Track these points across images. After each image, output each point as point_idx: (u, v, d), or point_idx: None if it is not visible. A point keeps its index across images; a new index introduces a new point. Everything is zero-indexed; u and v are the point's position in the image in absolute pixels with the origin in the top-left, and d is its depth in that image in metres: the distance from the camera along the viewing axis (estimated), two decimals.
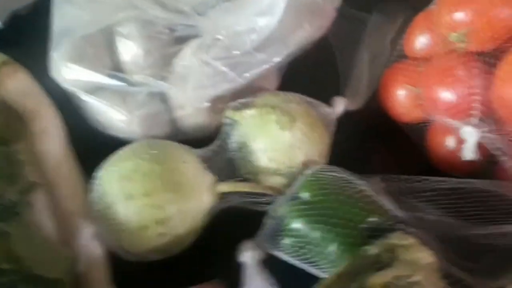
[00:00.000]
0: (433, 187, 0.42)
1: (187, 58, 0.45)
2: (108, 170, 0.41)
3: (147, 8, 0.47)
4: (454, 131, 0.45)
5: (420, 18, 0.50)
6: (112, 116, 0.46)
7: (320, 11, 0.49)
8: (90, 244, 0.40)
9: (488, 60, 0.41)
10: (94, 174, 0.43)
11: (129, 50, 0.46)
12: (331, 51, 0.58)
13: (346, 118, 0.50)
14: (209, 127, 0.48)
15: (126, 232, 0.39)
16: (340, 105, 0.49)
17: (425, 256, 0.35)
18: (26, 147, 0.44)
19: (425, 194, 0.43)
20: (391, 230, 0.38)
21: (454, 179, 0.42)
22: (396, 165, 0.49)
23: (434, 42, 0.48)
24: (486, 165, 0.44)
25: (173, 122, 0.47)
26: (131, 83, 0.45)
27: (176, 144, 0.44)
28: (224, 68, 0.45)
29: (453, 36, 0.43)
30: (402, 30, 0.54)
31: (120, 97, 0.46)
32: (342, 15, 0.54)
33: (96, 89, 0.46)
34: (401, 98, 0.49)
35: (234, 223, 0.44)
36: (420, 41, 0.50)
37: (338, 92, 0.53)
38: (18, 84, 0.47)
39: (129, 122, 0.46)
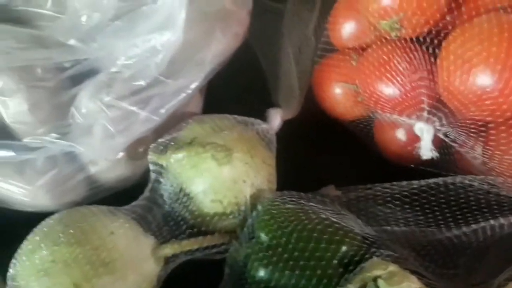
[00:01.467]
0: (394, 191, 0.39)
1: (85, 104, 0.36)
2: (22, 265, 0.33)
3: (18, 50, 0.38)
4: (400, 124, 0.42)
5: (341, 4, 0.45)
6: (10, 191, 0.37)
7: (233, 18, 0.42)
8: None
9: (427, 47, 0.38)
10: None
11: (9, 109, 0.36)
12: (251, 53, 0.52)
13: (283, 130, 0.45)
14: (133, 176, 0.40)
15: None
16: (276, 118, 0.43)
17: (408, 285, 0.32)
18: None
19: (386, 199, 0.39)
20: (366, 258, 0.34)
21: (415, 182, 0.38)
22: (351, 169, 0.45)
23: (361, 30, 0.44)
24: (443, 154, 0.41)
25: (88, 180, 0.39)
26: (23, 149, 0.36)
27: (95, 209, 0.36)
28: (133, 108, 0.37)
29: (384, 24, 0.39)
30: (323, 17, 0.49)
31: (13, 167, 0.37)
32: (256, 9, 0.48)
33: None
34: (339, 97, 0.45)
35: (190, 277, 0.38)
36: (347, 30, 0.45)
37: (269, 99, 0.48)
38: None
39: (33, 196, 0.37)
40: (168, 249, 0.36)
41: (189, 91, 0.39)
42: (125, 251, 0.34)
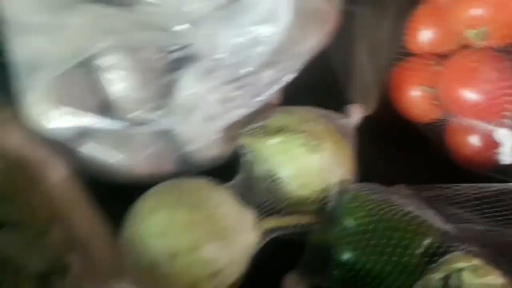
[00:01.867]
0: (471, 193, 0.41)
1: (189, 86, 0.39)
2: (138, 228, 0.36)
3: (128, 31, 0.40)
4: (476, 129, 0.44)
5: (424, 11, 0.48)
6: (111, 161, 0.40)
7: (326, 16, 0.44)
8: None
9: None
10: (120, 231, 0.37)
11: (118, 85, 0.39)
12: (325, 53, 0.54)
13: (360, 126, 0.47)
14: (223, 157, 0.43)
15: (166, 280, 0.34)
16: (356, 113, 0.46)
17: (493, 278, 0.34)
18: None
19: (462, 200, 0.42)
20: (450, 250, 0.36)
21: (489, 184, 0.41)
22: (424, 170, 0.47)
23: (442, 37, 0.46)
24: None
25: (184, 157, 0.42)
26: (129, 124, 0.39)
27: (206, 182, 0.39)
28: (233, 94, 0.40)
29: (471, 33, 0.41)
30: (399, 24, 0.51)
31: (119, 140, 0.40)
32: None
33: (86, 134, 0.40)
34: (416, 100, 0.47)
35: (275, 255, 0.41)
36: (426, 37, 0.47)
37: (344, 97, 0.50)
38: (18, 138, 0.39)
39: (134, 167, 0.40)
40: (270, 223, 0.39)
41: (283, 82, 0.42)
42: (233, 221, 0.37)
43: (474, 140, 0.44)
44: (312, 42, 0.43)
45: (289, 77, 0.42)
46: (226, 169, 0.43)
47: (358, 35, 0.53)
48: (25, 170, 0.39)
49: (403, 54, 0.49)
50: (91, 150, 0.40)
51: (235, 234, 0.36)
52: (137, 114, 0.39)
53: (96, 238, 0.38)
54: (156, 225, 0.35)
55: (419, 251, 0.36)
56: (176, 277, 0.34)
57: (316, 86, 0.53)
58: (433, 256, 0.36)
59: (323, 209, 0.40)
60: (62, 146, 0.40)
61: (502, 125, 0.40)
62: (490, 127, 0.41)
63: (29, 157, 0.40)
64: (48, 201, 0.38)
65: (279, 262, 0.40)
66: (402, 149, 0.48)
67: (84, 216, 0.39)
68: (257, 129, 0.42)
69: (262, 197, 0.40)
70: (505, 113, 0.39)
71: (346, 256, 0.37)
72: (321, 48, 0.46)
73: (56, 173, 0.40)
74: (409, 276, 0.36)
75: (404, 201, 0.39)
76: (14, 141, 0.41)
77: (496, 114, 0.40)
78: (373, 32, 0.54)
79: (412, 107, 0.47)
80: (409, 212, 0.38)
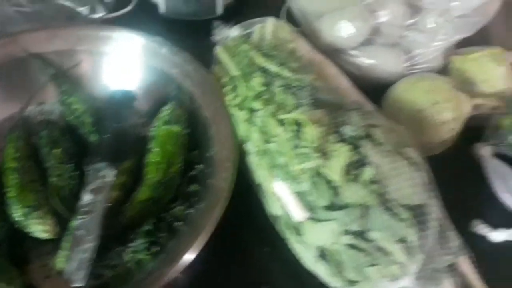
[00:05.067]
0: None
1: (434, 20, 0.65)
2: (409, 87, 0.61)
3: None
4: None
5: None
6: (382, 62, 0.66)
7: None
8: None
9: None
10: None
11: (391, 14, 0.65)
12: None
13: None
14: (438, 69, 0.68)
15: (429, 126, 0.58)
16: None
17: None
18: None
19: None
20: None
21: None
22: None
23: None
24: None
25: (413, 66, 0.67)
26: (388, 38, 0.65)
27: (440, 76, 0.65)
28: (456, 26, 0.65)
29: None
30: None
31: (383, 49, 0.66)
32: None
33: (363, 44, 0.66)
34: None
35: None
36: None
37: None
38: (306, 46, 0.65)
39: (394, 65, 0.66)
40: (479, 100, 0.63)
41: (481, 26, 0.66)
42: (456, 93, 0.61)
43: None
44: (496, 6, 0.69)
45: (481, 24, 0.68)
46: None
47: None
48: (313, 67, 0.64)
49: None
50: (362, 55, 0.66)
51: (459, 100, 0.61)
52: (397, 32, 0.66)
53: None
54: (421, 87, 0.61)
55: None
56: (432, 117, 0.58)
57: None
58: None
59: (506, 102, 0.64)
60: (337, 52, 0.66)
61: None
62: None
63: (315, 59, 0.65)
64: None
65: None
66: None
67: (357, 97, 0.63)
68: (463, 52, 0.68)
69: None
70: None
71: None
72: None
73: (332, 70, 0.65)
74: None
75: None
76: (304, 48, 0.66)
77: None
78: None
79: None
80: None
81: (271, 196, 0.51)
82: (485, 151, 0.63)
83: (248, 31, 0.67)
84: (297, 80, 0.55)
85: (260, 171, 0.52)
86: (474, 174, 0.63)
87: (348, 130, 0.48)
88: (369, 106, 0.61)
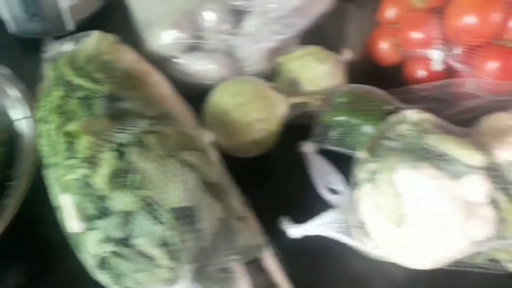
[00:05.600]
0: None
1: (253, 24, 0.66)
2: (220, 92, 0.62)
3: None
4: (423, 65, 0.70)
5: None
6: (204, 67, 0.67)
7: None
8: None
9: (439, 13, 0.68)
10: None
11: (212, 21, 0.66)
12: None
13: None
14: (265, 71, 0.69)
15: (237, 128, 0.58)
16: (348, 55, 0.72)
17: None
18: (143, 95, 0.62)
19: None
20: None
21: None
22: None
23: (398, 12, 0.74)
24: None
25: (239, 69, 0.68)
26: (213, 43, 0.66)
27: (256, 78, 0.65)
28: (273, 28, 0.67)
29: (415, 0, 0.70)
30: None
31: (205, 54, 0.67)
32: None
33: (187, 49, 0.67)
34: (385, 48, 0.74)
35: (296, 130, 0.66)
36: (390, 12, 0.76)
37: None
38: (130, 56, 0.65)
39: (217, 71, 0.67)
40: (294, 99, 0.64)
41: (301, 27, 0.68)
42: (272, 93, 0.63)
43: (422, 73, 0.71)
44: (319, 9, 0.71)
45: (300, 27, 0.69)
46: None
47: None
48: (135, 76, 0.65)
49: (377, 23, 0.77)
50: (186, 61, 0.66)
51: (272, 100, 0.62)
52: (219, 38, 0.67)
53: (179, 108, 0.63)
54: (230, 91, 0.61)
55: (383, 110, 0.61)
56: (238, 119, 0.59)
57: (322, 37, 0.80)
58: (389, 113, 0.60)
59: (327, 100, 0.65)
60: (164, 60, 0.66)
61: (435, 48, 0.67)
62: (428, 51, 0.67)
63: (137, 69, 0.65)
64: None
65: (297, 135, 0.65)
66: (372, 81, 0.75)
67: (176, 104, 0.64)
68: (287, 53, 0.69)
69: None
70: (435, 41, 0.66)
71: (340, 118, 0.62)
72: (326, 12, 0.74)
73: (155, 78, 0.65)
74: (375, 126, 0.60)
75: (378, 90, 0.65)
76: (128, 57, 0.66)
77: (430, 43, 0.67)
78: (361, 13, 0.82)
79: (382, 53, 0.75)
80: (376, 93, 0.63)
81: (60, 210, 0.51)
82: (308, 148, 0.64)
83: (77, 45, 0.68)
84: (95, 91, 0.55)
85: (52, 186, 0.52)
86: (300, 171, 0.64)
87: (121, 139, 0.49)
88: (183, 113, 0.61)
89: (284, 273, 0.55)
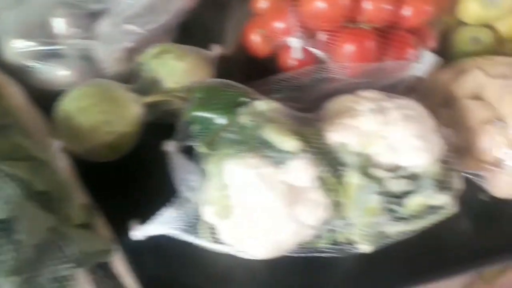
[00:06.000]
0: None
1: (106, 26, 0.65)
2: (67, 97, 0.60)
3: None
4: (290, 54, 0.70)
5: None
6: (57, 73, 0.65)
7: None
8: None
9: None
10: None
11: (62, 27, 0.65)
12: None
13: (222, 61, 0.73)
14: (125, 71, 0.68)
15: (83, 133, 0.57)
16: (216, 50, 0.72)
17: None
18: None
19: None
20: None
21: None
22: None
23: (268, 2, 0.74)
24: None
25: (100, 71, 0.66)
26: (65, 48, 0.64)
27: (109, 81, 0.64)
28: (128, 28, 0.66)
29: None
30: None
31: (60, 60, 0.65)
32: None
33: (41, 57, 0.65)
34: (256, 39, 0.73)
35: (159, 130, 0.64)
36: (262, 3, 0.75)
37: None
38: None
39: (71, 76, 0.65)
40: (147, 98, 0.63)
41: (158, 24, 0.67)
42: (122, 94, 0.62)
43: (291, 61, 0.70)
44: (178, 5, 0.70)
45: (161, 23, 0.68)
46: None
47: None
48: None
49: (250, 14, 0.77)
50: (41, 67, 0.64)
51: (122, 101, 0.61)
52: (72, 42, 0.65)
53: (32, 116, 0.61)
54: (75, 95, 0.60)
55: (238, 103, 0.60)
56: (83, 123, 0.58)
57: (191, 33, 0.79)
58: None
59: (188, 97, 0.65)
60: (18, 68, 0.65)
61: (294, 36, 0.66)
62: (289, 39, 0.67)
63: None
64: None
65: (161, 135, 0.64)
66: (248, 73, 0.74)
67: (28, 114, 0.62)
68: (147, 52, 0.67)
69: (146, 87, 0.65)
70: (294, 30, 0.66)
71: (197, 113, 0.61)
72: (190, 9, 0.73)
73: (9, 88, 0.64)
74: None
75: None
76: None
77: (290, 32, 0.67)
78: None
79: (254, 45, 0.74)
80: (234, 86, 0.62)
81: None
82: (170, 146, 0.63)
83: None
84: None
85: None
86: (162, 171, 0.63)
87: None
88: (34, 122, 0.60)
89: (136, 276, 0.54)
